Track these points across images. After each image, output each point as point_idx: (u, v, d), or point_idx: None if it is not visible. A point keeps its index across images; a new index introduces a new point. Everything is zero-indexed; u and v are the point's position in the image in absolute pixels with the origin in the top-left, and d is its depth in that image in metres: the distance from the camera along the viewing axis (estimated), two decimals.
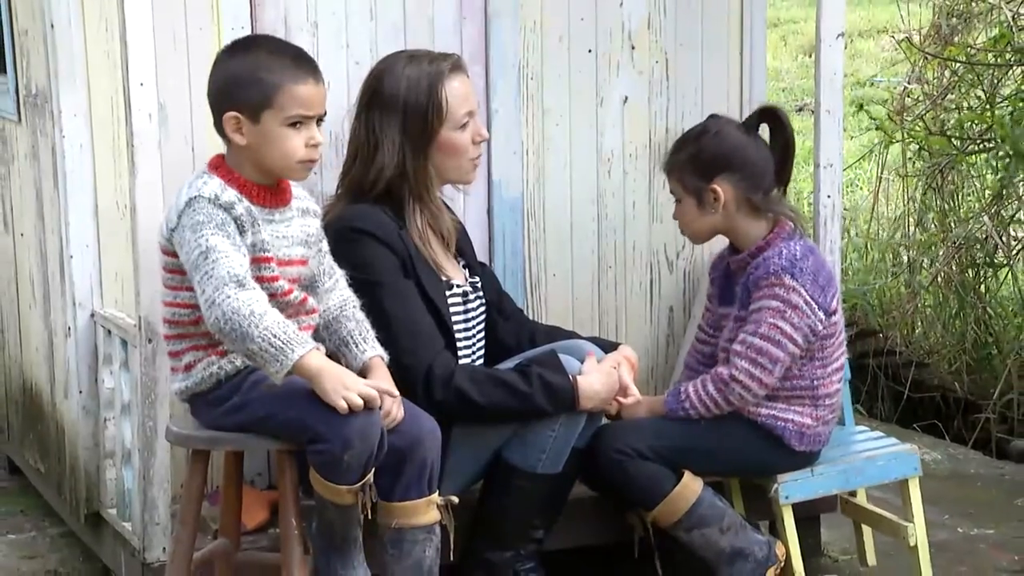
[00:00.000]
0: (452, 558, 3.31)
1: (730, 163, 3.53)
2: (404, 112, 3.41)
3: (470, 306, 3.57)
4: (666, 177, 3.64)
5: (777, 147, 3.61)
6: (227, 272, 2.93)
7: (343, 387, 2.95)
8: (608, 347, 3.61)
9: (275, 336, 2.91)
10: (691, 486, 3.52)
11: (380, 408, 3.01)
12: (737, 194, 3.53)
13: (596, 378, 3.43)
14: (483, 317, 3.63)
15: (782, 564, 3.60)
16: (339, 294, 3.28)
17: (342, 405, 2.93)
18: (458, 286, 3.55)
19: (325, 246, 3.27)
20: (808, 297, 3.46)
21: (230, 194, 3.04)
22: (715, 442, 3.55)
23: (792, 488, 3.61)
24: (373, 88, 3.45)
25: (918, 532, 3.70)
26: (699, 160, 3.54)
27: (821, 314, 3.49)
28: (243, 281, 2.94)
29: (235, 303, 2.91)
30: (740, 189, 3.53)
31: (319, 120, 3.12)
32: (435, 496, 3.17)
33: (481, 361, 3.59)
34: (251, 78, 3.05)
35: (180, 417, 3.24)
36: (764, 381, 3.48)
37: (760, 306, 3.48)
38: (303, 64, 3.10)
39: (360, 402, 2.94)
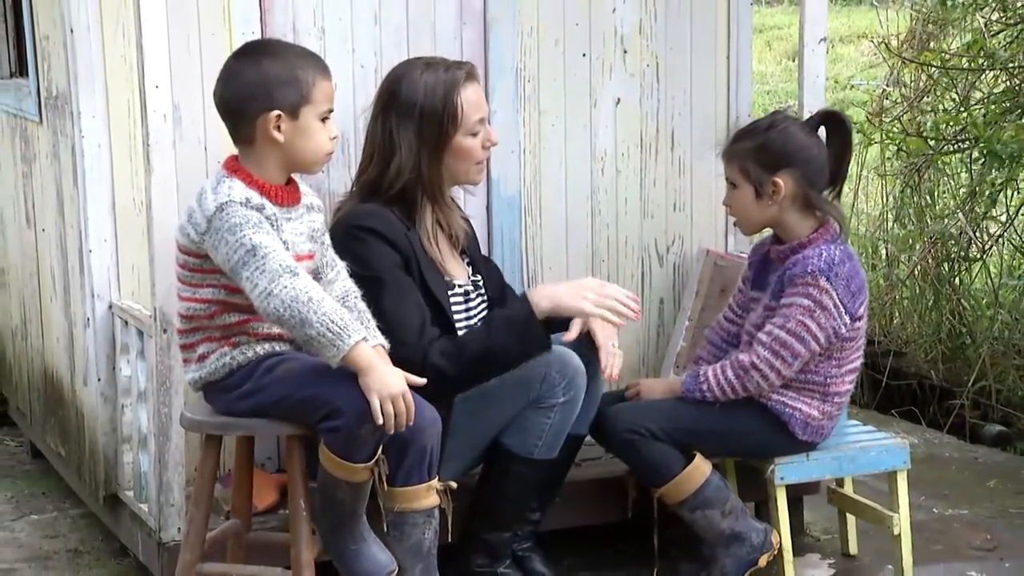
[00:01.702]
0: (450, 540, 3.29)
1: (794, 159, 3.49)
2: (421, 117, 3.39)
3: (471, 304, 3.55)
4: (724, 163, 3.59)
5: (833, 150, 3.57)
6: (279, 264, 2.92)
7: (388, 391, 2.93)
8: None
9: (333, 322, 2.90)
10: (701, 468, 3.51)
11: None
12: (796, 189, 3.49)
13: (549, 285, 3.38)
14: (484, 314, 3.60)
15: (775, 551, 3.59)
16: (341, 285, 3.26)
17: (376, 405, 2.91)
18: (460, 285, 3.53)
19: (327, 239, 3.26)
20: (838, 300, 3.44)
21: (256, 197, 3.03)
22: (723, 424, 3.53)
23: (788, 470, 3.60)
24: (391, 93, 3.43)
25: (902, 522, 3.69)
26: (765, 152, 3.50)
27: (847, 318, 3.46)
28: (296, 270, 2.94)
29: (293, 291, 2.90)
30: (799, 185, 3.49)
31: None
32: (435, 481, 3.15)
33: None
34: (290, 77, 3.04)
35: (194, 404, 3.23)
36: (782, 373, 3.46)
37: (791, 302, 3.45)
38: (321, 62, 3.14)
39: (391, 411, 2.92)
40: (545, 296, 3.32)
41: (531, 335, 3.31)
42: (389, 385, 2.94)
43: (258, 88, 3.05)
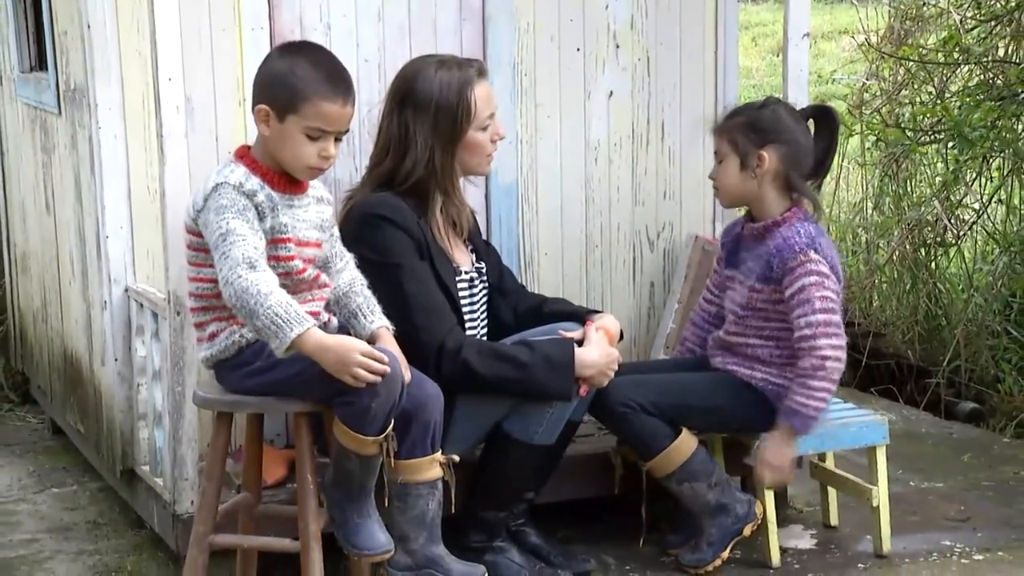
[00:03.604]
0: (453, 511, 3.29)
1: (780, 137, 3.49)
2: (436, 113, 3.37)
3: (475, 290, 3.55)
4: (715, 138, 3.58)
5: (821, 142, 3.56)
6: (241, 254, 2.90)
7: (343, 365, 2.90)
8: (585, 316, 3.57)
9: (277, 315, 2.87)
10: (688, 442, 3.50)
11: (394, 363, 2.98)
12: (779, 167, 3.49)
13: (594, 349, 3.40)
14: (486, 299, 3.61)
15: (759, 522, 3.59)
16: (349, 274, 3.26)
17: (350, 381, 2.90)
18: (466, 272, 3.52)
19: (336, 231, 3.25)
20: (830, 268, 3.45)
21: (253, 182, 3.01)
22: (711, 401, 3.53)
23: None
24: (406, 89, 3.40)
25: (881, 495, 3.69)
26: (755, 126, 3.50)
27: (839, 284, 3.47)
28: (255, 263, 2.91)
29: (245, 283, 2.88)
30: (783, 163, 3.48)
31: (339, 137, 3.08)
32: (438, 455, 3.15)
33: (485, 337, 3.56)
34: (285, 81, 3.01)
35: (206, 382, 3.22)
36: (842, 345, 3.43)
37: (800, 285, 3.42)
38: (337, 84, 3.04)
39: (365, 375, 2.90)
40: (586, 365, 3.36)
41: (561, 381, 3.35)
42: (345, 358, 2.90)
43: (262, 80, 3.07)
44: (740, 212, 3.77)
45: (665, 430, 3.49)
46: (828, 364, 3.41)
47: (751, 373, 3.53)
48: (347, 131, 3.10)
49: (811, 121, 3.61)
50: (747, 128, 3.50)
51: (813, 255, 3.42)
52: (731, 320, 3.57)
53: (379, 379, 2.92)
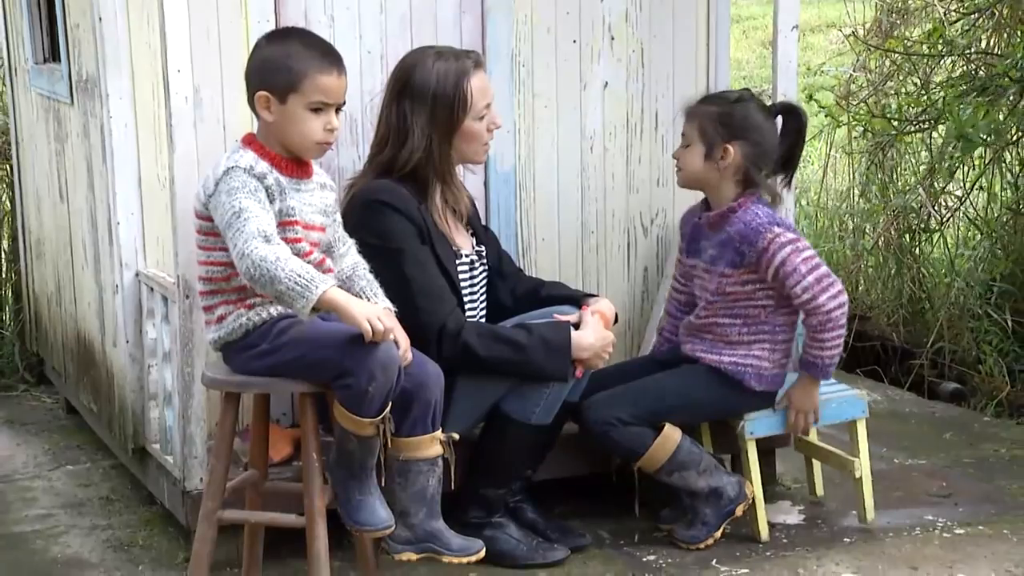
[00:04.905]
0: (453, 487, 3.29)
1: (747, 135, 3.49)
2: (433, 103, 3.37)
3: (475, 272, 3.55)
4: (685, 119, 3.58)
5: (788, 139, 3.56)
6: (256, 228, 2.90)
7: (371, 310, 2.91)
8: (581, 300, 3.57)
9: (299, 276, 2.87)
10: (671, 437, 3.50)
11: (397, 346, 2.98)
12: (741, 162, 3.49)
13: (590, 332, 3.40)
14: (485, 281, 3.60)
15: (750, 501, 3.59)
16: (351, 258, 3.26)
17: (367, 328, 2.88)
18: (466, 255, 3.52)
19: (339, 217, 3.25)
20: (795, 234, 3.46)
21: (263, 166, 3.01)
22: (687, 396, 3.53)
23: (757, 425, 3.60)
24: (405, 80, 3.40)
25: (863, 467, 3.70)
26: (726, 119, 3.50)
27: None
28: (269, 237, 2.91)
29: (262, 252, 2.87)
30: (745, 159, 3.49)
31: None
32: (439, 433, 3.15)
33: (484, 318, 3.57)
34: (282, 64, 3.02)
35: (214, 364, 3.21)
36: (840, 290, 3.44)
37: (780, 260, 3.43)
38: (330, 58, 3.07)
39: (382, 328, 2.90)
40: (582, 348, 3.37)
41: (558, 363, 3.36)
42: (368, 309, 2.91)
43: (258, 68, 3.07)
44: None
45: (647, 432, 3.50)
46: (833, 315, 3.44)
47: (719, 358, 3.54)
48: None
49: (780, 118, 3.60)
50: (719, 119, 3.50)
51: (777, 229, 3.44)
52: (702, 306, 3.58)
53: (382, 328, 2.90)
